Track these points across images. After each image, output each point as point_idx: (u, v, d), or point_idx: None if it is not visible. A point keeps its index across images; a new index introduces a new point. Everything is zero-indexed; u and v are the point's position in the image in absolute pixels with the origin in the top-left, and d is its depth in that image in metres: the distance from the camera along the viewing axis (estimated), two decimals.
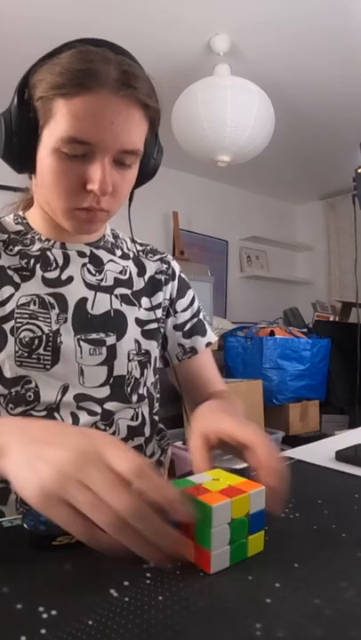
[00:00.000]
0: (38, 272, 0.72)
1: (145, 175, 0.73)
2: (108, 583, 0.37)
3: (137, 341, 0.78)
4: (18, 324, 0.69)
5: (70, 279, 0.74)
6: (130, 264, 0.82)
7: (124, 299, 0.78)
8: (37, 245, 0.73)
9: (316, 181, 4.06)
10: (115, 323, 0.76)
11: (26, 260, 0.72)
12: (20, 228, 0.75)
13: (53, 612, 0.33)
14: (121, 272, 0.80)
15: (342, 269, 4.24)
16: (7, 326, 0.69)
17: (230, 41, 2.21)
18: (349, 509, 0.53)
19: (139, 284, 0.81)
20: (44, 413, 0.69)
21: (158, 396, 0.86)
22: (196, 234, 3.87)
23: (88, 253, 0.77)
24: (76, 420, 0.71)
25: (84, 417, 0.71)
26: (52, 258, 0.73)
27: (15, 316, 0.69)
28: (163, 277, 0.85)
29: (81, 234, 0.71)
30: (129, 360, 0.76)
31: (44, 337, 0.70)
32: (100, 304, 0.75)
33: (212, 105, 2.11)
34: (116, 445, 0.40)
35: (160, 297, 0.83)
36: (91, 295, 0.75)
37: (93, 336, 0.73)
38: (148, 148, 0.69)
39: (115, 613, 0.33)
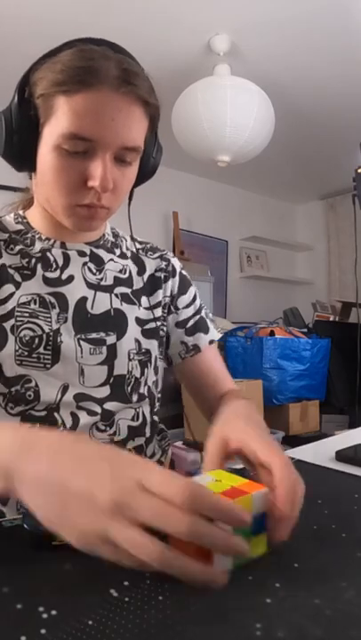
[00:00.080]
0: (39, 271, 0.72)
1: (144, 174, 0.73)
2: (108, 583, 0.37)
3: (137, 341, 0.78)
4: (18, 323, 0.69)
5: (71, 278, 0.74)
6: (129, 263, 0.82)
7: (124, 298, 0.78)
8: (38, 246, 0.73)
9: (316, 181, 4.06)
10: (115, 322, 0.76)
11: (27, 260, 0.72)
12: (20, 227, 0.75)
13: (53, 612, 0.33)
14: (121, 271, 0.80)
15: (342, 269, 4.24)
16: (7, 325, 0.69)
17: (230, 41, 2.21)
18: (349, 509, 0.53)
19: (139, 282, 0.81)
20: (43, 413, 0.69)
21: (159, 395, 0.86)
22: (196, 234, 3.87)
23: (88, 253, 0.77)
24: (75, 420, 0.71)
25: (83, 417, 0.71)
26: (52, 259, 0.73)
27: (16, 314, 0.69)
28: (162, 275, 0.84)
29: (81, 231, 0.71)
30: (129, 359, 0.76)
31: (44, 336, 0.70)
32: (100, 303, 0.75)
33: (212, 105, 2.11)
34: (150, 468, 0.38)
35: (160, 295, 0.83)
36: (91, 294, 0.75)
37: (93, 335, 0.73)
38: (147, 146, 0.69)
39: (115, 613, 0.33)
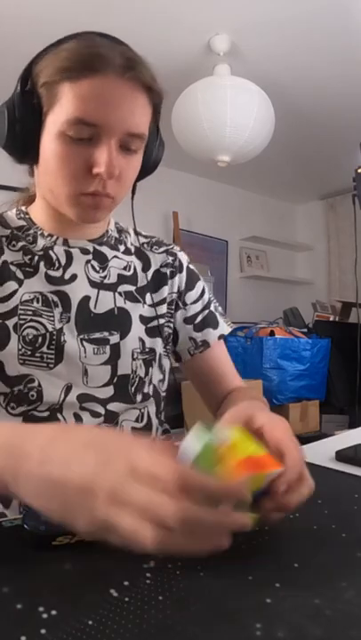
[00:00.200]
0: (42, 269, 0.71)
1: (147, 167, 0.72)
2: (108, 583, 0.37)
3: (141, 339, 0.76)
4: (21, 321, 0.68)
5: (74, 277, 0.73)
6: (134, 259, 0.80)
7: (128, 296, 0.77)
8: (40, 243, 0.72)
9: (316, 181, 4.06)
10: (118, 321, 0.75)
11: (29, 257, 0.71)
12: (22, 223, 0.74)
13: (53, 612, 0.33)
14: (125, 268, 0.78)
15: (342, 269, 4.24)
16: (10, 323, 0.68)
17: (230, 41, 2.21)
18: (349, 509, 0.53)
19: (143, 279, 0.79)
20: (46, 414, 0.68)
21: (165, 394, 0.84)
22: (196, 234, 3.87)
23: (91, 250, 0.75)
24: (78, 422, 0.70)
25: (87, 418, 0.70)
26: (54, 257, 0.72)
27: (19, 312, 0.68)
28: (168, 270, 0.82)
29: (85, 222, 0.69)
30: (133, 359, 0.75)
31: (47, 335, 0.69)
32: (104, 302, 0.74)
33: (212, 105, 2.11)
34: (137, 452, 0.38)
35: (165, 291, 0.81)
36: (94, 293, 0.74)
37: (97, 335, 0.72)
38: (150, 139, 0.69)
39: (115, 613, 0.33)
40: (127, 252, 0.80)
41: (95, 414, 0.71)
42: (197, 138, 2.23)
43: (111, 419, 0.72)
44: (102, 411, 0.72)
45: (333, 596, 0.36)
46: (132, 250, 0.81)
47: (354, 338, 2.86)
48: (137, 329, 0.76)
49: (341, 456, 0.72)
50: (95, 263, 0.75)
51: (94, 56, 0.59)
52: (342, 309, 3.69)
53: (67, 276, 0.72)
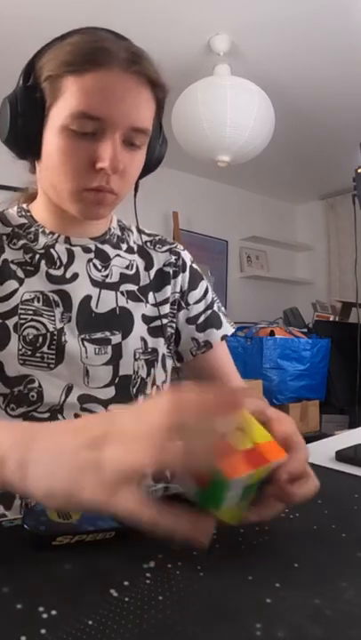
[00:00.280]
0: (43, 268, 0.70)
1: (150, 165, 0.71)
2: (108, 583, 0.37)
3: (143, 339, 0.75)
4: (22, 321, 0.67)
5: (75, 276, 0.72)
6: (136, 258, 0.79)
7: (130, 295, 0.76)
8: (42, 241, 0.71)
9: (316, 181, 4.06)
10: (120, 321, 0.74)
11: (30, 255, 0.70)
12: (23, 220, 0.73)
13: (53, 612, 0.33)
14: (127, 267, 0.78)
15: (342, 269, 4.24)
16: (10, 322, 0.67)
17: (230, 41, 2.21)
18: (349, 509, 0.53)
19: (145, 278, 0.78)
20: (46, 415, 0.67)
21: None
22: (196, 234, 3.87)
23: (93, 249, 0.75)
24: None
25: None
26: (56, 255, 0.71)
27: (19, 311, 0.68)
28: (171, 270, 0.81)
29: (88, 219, 0.68)
30: (135, 359, 0.74)
31: (48, 335, 0.68)
32: (105, 302, 0.73)
33: (212, 105, 2.12)
34: (117, 418, 0.38)
35: (168, 291, 0.80)
36: (95, 293, 0.73)
37: (98, 335, 0.71)
38: (153, 135, 0.68)
39: (115, 613, 0.33)
40: (130, 250, 0.79)
41: None
42: (197, 138, 2.23)
43: None
44: (103, 412, 0.71)
45: (333, 596, 0.36)
46: (135, 248, 0.80)
47: (354, 338, 2.86)
48: (139, 329, 0.75)
49: (341, 456, 0.72)
50: (97, 262, 0.74)
51: (99, 50, 0.59)
52: (342, 309, 3.69)
53: (68, 275, 0.71)
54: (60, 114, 0.60)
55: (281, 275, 4.37)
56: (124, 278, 0.77)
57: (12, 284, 0.68)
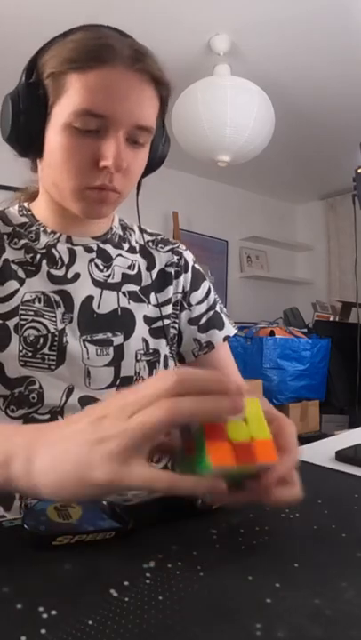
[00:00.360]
0: (44, 268, 0.70)
1: (153, 163, 0.71)
2: (108, 583, 0.37)
3: (145, 340, 0.75)
4: (22, 322, 0.67)
5: (77, 276, 0.71)
6: (138, 258, 0.79)
7: (132, 296, 0.75)
8: (43, 241, 0.71)
9: (316, 181, 4.06)
10: (122, 321, 0.73)
11: (31, 255, 0.70)
12: (24, 219, 0.72)
13: (53, 612, 0.33)
14: (129, 267, 0.77)
15: (342, 269, 4.24)
16: (11, 323, 0.66)
17: (230, 41, 2.21)
18: (349, 509, 0.53)
19: (147, 279, 0.78)
20: (47, 417, 0.67)
21: None
22: (196, 234, 3.87)
23: (95, 248, 0.74)
24: None
25: None
26: (57, 255, 0.71)
27: (20, 312, 0.67)
28: (174, 270, 0.80)
29: (90, 217, 0.68)
30: (137, 360, 0.73)
31: (49, 336, 0.67)
32: (107, 302, 0.73)
33: (212, 105, 2.12)
34: (119, 399, 0.39)
35: (170, 291, 0.80)
36: (97, 293, 0.72)
37: (100, 336, 0.71)
38: (156, 133, 0.68)
39: (115, 613, 0.33)
40: (131, 250, 0.79)
41: None
42: (197, 138, 2.23)
43: None
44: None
45: (333, 596, 0.36)
46: (137, 248, 0.80)
47: (354, 338, 2.86)
48: (141, 330, 0.75)
49: (341, 456, 0.72)
50: (99, 262, 0.74)
51: (102, 47, 0.59)
52: (342, 309, 3.69)
53: (69, 275, 0.71)
54: (63, 111, 0.60)
55: (281, 275, 4.37)
56: (126, 278, 0.76)
57: (12, 285, 0.68)
